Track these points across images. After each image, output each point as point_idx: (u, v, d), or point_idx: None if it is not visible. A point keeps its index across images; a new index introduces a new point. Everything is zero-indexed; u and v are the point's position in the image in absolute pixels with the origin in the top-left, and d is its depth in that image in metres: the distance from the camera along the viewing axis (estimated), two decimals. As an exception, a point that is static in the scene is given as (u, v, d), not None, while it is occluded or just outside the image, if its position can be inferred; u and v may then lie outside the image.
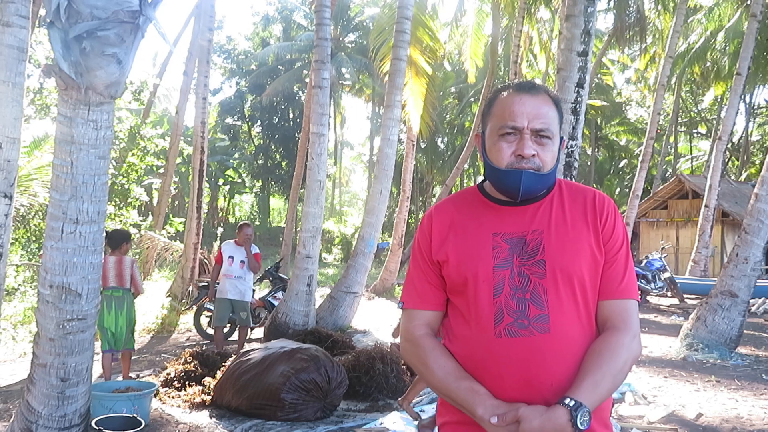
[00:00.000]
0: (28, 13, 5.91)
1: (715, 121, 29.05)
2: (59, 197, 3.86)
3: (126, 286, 6.59)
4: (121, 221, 14.61)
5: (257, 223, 40.45)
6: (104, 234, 7.17)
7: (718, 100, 28.59)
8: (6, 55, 5.81)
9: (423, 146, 31.53)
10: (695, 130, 36.11)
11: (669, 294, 14.73)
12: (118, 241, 6.72)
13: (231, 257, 8.13)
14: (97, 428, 4.41)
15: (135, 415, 4.77)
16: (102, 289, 6.32)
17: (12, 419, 4.36)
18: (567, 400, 1.52)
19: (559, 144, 1.78)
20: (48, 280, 3.92)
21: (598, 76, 28.72)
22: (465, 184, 35.03)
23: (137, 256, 16.57)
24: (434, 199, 31.32)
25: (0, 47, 5.84)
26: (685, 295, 14.43)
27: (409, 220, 28.22)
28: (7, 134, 5.92)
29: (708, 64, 24.16)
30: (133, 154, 16.72)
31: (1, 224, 6.02)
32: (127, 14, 3.60)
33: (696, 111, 34.67)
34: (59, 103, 3.82)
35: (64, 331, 3.92)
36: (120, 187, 15.67)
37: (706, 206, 16.99)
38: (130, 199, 15.90)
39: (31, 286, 11.44)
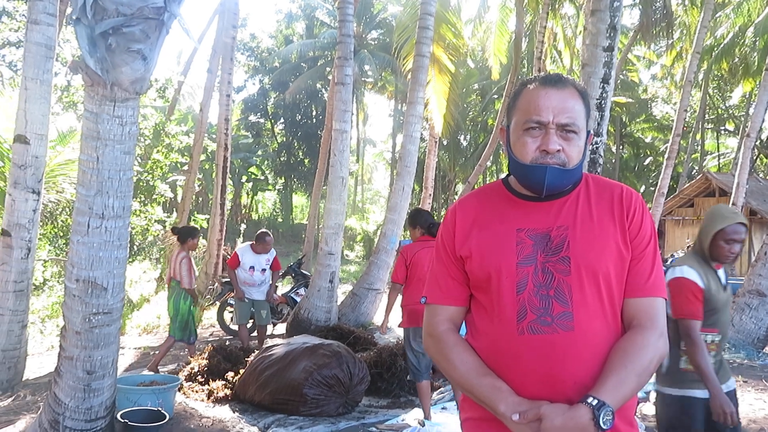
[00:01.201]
0: (55, 11, 6.01)
1: (743, 118, 28.57)
2: (85, 192, 3.91)
3: (177, 278, 7.31)
4: (146, 217, 14.76)
5: (279, 220, 40.66)
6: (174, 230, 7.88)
7: (747, 96, 28.10)
8: (34, 52, 5.92)
9: (445, 143, 31.44)
10: (723, 127, 35.54)
11: (695, 293, 14.52)
12: (183, 236, 7.58)
13: (252, 267, 8.16)
14: (122, 421, 4.46)
15: (159, 408, 4.82)
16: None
17: (40, 411, 4.43)
18: (590, 399, 1.50)
19: (586, 138, 1.75)
20: (74, 274, 3.97)
21: (624, 72, 28.42)
22: (487, 181, 34.84)
23: (162, 252, 16.75)
24: (456, 197, 31.22)
25: (28, 45, 5.96)
26: (711, 294, 14.23)
27: (432, 218, 28.09)
28: (35, 131, 6.04)
29: (736, 59, 23.75)
30: (157, 151, 16.88)
31: (30, 219, 6.15)
32: (152, 10, 3.63)
33: (724, 108, 34.11)
34: (85, 99, 3.87)
35: (90, 324, 3.97)
36: (145, 184, 15.84)
37: (733, 204, 16.72)
38: (155, 196, 16.06)
39: (58, 281, 11.61)
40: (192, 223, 17.55)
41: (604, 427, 1.48)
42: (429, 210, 18.55)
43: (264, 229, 8.85)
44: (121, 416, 4.51)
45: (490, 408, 1.63)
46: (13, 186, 6.09)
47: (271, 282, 8.45)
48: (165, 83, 18.76)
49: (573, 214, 1.72)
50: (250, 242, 8.43)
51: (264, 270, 8.19)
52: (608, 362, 1.59)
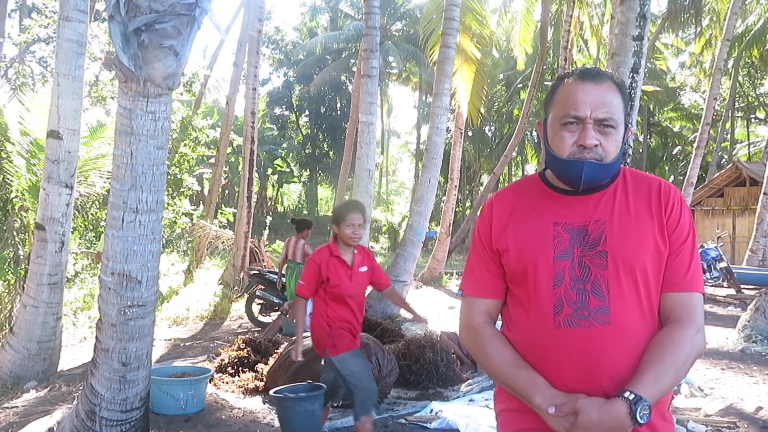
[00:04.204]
0: (86, 8, 6.08)
1: (774, 106, 28.08)
2: (119, 187, 3.97)
3: (297, 260, 9.24)
4: (173, 210, 14.91)
5: (305, 212, 40.78)
6: (295, 221, 9.45)
7: (778, 84, 27.59)
8: (66, 48, 6.01)
9: (470, 135, 31.30)
10: (753, 116, 34.87)
11: (725, 284, 14.35)
12: (301, 226, 9.57)
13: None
14: (280, 395, 4.41)
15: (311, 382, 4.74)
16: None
17: (76, 402, 4.52)
18: (627, 394, 1.51)
19: (624, 131, 1.75)
20: (109, 268, 4.04)
21: (651, 60, 28.03)
22: (513, 173, 34.69)
23: (189, 245, 16.92)
24: (481, 188, 31.05)
25: (60, 41, 6.04)
26: (742, 286, 14.04)
27: (457, 209, 28.10)
28: (68, 126, 6.14)
29: (767, 46, 23.30)
30: (185, 145, 17.02)
31: (63, 214, 6.25)
32: (184, 6, 3.66)
33: (754, 95, 33.47)
34: (119, 95, 3.92)
35: (125, 317, 4.04)
36: (173, 177, 15.99)
37: (764, 194, 16.44)
38: (182, 189, 16.20)
39: (89, 274, 11.78)
40: (219, 216, 17.75)
41: (641, 422, 1.48)
42: (454, 202, 18.51)
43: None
44: (276, 391, 4.46)
45: (526, 400, 1.65)
46: (47, 181, 6.20)
47: None
48: (191, 77, 18.91)
49: (610, 208, 1.73)
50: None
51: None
52: (645, 357, 1.59)
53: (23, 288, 6.86)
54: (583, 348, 1.62)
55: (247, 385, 6.10)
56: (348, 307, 4.25)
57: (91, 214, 12.78)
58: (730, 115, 30.14)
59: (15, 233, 7.96)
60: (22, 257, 7.79)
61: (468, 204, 36.02)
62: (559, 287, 1.67)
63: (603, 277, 1.65)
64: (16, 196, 7.98)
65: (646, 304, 1.67)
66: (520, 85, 30.63)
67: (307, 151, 38.88)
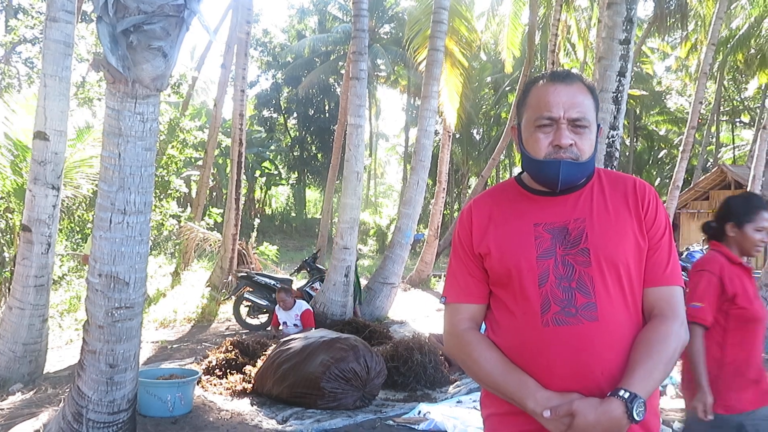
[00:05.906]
0: (73, 9, 6.06)
1: (758, 110, 28.33)
2: (107, 188, 3.95)
3: None
4: (161, 212, 14.82)
5: (293, 214, 40.73)
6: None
7: (762, 88, 27.84)
8: (53, 49, 5.98)
9: (458, 137, 31.38)
10: (738, 119, 35.17)
11: (710, 286, 14.42)
12: None
13: (285, 323, 8.13)
14: None
15: None
16: None
17: (62, 404, 4.49)
18: (621, 392, 1.52)
19: (597, 132, 1.78)
20: (97, 269, 4.02)
21: (638, 64, 28.20)
22: (501, 176, 34.76)
23: (177, 247, 16.84)
24: (470, 191, 31.14)
25: (47, 42, 6.02)
26: (727, 288, 14.13)
27: (445, 212, 28.14)
28: (55, 127, 6.10)
29: (752, 51, 23.53)
30: (172, 146, 16.91)
31: (50, 215, 6.21)
32: (173, 8, 3.66)
33: (739, 99, 33.75)
34: (107, 96, 3.91)
35: (112, 318, 4.02)
36: (160, 179, 15.88)
37: (749, 197, 16.57)
38: (170, 191, 16.11)
39: (76, 276, 11.70)
40: (207, 218, 17.68)
41: (638, 419, 1.50)
42: (443, 204, 18.54)
43: (282, 286, 8.72)
44: None
45: (518, 404, 1.65)
46: (33, 182, 6.15)
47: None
48: (179, 79, 18.82)
49: (589, 207, 1.75)
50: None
51: (297, 325, 8.01)
52: (634, 353, 1.62)
53: (9, 290, 6.81)
54: (572, 345, 1.64)
55: (235, 387, 6.08)
56: (754, 339, 3.00)
57: (78, 216, 12.69)
58: (715, 118, 30.38)
59: (1, 235, 7.91)
60: (7, 259, 7.74)
61: (456, 207, 36.10)
62: (545, 286, 1.69)
63: (587, 274, 1.68)
64: (2, 198, 7.93)
65: (631, 300, 1.70)
66: (508, 88, 30.71)
67: (295, 154, 38.84)
